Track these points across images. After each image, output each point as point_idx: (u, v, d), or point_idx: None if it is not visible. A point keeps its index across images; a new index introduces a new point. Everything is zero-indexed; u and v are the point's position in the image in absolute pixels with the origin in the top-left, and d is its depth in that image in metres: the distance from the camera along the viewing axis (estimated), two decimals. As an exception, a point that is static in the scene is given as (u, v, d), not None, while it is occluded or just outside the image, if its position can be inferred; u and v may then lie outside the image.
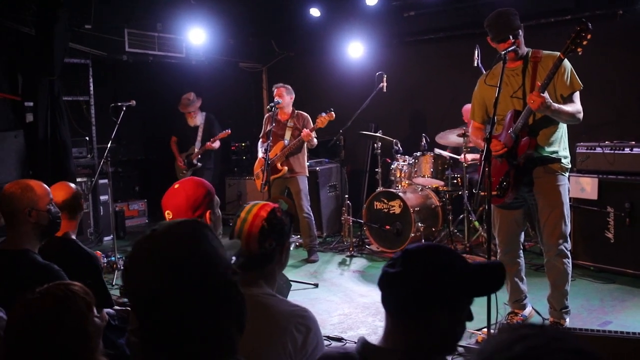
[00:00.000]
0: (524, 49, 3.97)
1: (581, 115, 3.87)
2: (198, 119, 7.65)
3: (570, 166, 4.09)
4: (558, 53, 3.69)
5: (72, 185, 3.47)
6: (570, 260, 4.05)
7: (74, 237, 3.37)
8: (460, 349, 3.97)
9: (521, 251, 4.28)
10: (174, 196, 2.50)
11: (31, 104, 6.67)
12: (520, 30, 3.86)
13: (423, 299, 1.47)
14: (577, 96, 3.89)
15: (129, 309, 3.13)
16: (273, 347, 1.91)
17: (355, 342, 4.30)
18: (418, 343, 1.48)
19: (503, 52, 3.71)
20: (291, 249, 7.10)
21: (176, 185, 2.55)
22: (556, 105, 3.72)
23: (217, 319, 1.24)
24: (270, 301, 2.03)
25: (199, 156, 7.57)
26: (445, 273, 1.49)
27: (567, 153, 4.04)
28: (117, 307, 3.31)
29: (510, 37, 3.80)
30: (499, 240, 4.24)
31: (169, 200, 2.51)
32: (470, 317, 1.55)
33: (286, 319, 1.96)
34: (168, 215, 2.51)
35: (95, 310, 1.85)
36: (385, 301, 1.54)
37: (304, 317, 2.00)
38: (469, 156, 6.32)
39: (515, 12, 3.90)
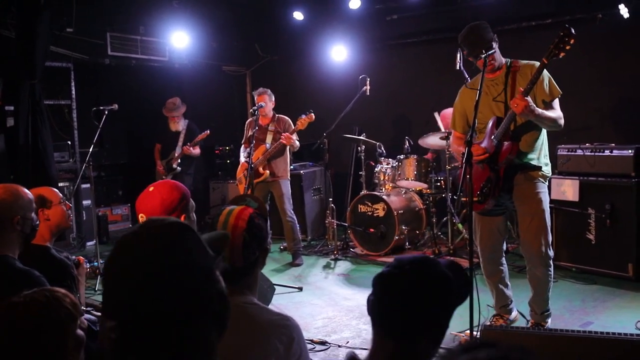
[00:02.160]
0: (500, 60, 4.00)
1: (562, 122, 3.91)
2: (180, 125, 7.61)
3: (550, 175, 4.13)
4: (536, 63, 3.73)
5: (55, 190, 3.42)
6: (552, 269, 4.08)
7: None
8: (442, 351, 3.99)
9: (503, 258, 4.31)
10: (149, 199, 2.47)
11: (12, 108, 6.60)
12: (493, 43, 3.88)
13: (404, 327, 1.49)
14: (557, 103, 3.95)
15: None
16: (255, 358, 1.88)
17: (339, 345, 4.27)
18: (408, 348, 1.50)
19: (484, 56, 3.73)
20: (275, 251, 7.11)
21: (151, 188, 2.51)
22: (539, 110, 3.75)
23: (196, 325, 1.22)
24: (252, 311, 1.98)
25: (179, 160, 7.53)
26: (423, 302, 1.49)
27: (547, 161, 4.08)
28: (97, 313, 3.28)
29: (484, 50, 3.80)
30: (480, 248, 4.25)
31: (143, 203, 2.47)
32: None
33: (268, 329, 1.92)
34: (142, 218, 2.48)
35: (80, 321, 1.82)
36: (372, 324, 1.56)
37: (287, 327, 1.95)
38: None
39: (486, 25, 3.93)
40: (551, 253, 4.04)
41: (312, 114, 6.20)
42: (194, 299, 1.22)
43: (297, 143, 6.40)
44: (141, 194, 2.50)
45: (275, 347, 1.89)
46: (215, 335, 1.28)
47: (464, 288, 1.61)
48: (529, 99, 3.66)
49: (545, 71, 3.81)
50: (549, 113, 3.83)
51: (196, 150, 7.52)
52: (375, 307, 1.54)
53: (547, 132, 4.07)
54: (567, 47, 3.54)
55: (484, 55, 3.72)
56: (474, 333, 3.50)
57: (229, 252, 1.98)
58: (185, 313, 1.20)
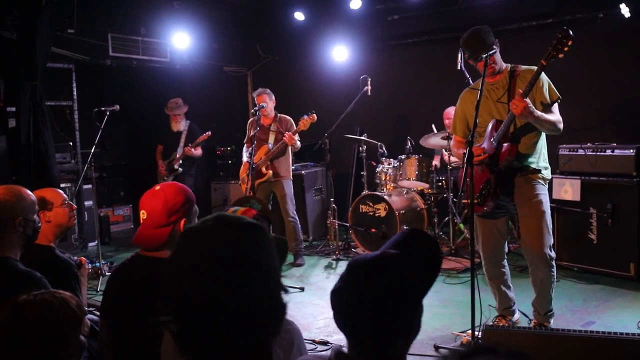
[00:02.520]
0: (501, 64, 4.01)
1: (561, 126, 3.91)
2: (182, 125, 7.62)
3: (550, 177, 4.12)
4: (536, 67, 3.74)
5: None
6: (554, 269, 4.06)
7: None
8: (444, 351, 4.00)
9: (505, 260, 4.30)
10: (153, 198, 2.46)
11: (13, 109, 6.61)
12: (495, 46, 3.89)
13: (367, 320, 1.47)
14: (556, 108, 3.94)
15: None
16: None
17: (340, 345, 4.30)
18: (380, 351, 1.49)
19: (484, 56, 3.73)
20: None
21: (157, 187, 2.50)
22: (539, 112, 3.75)
23: (261, 334, 1.23)
24: None
25: (180, 161, 7.53)
26: (390, 299, 1.46)
27: (547, 165, 4.08)
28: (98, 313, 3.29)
29: (484, 55, 3.81)
30: (482, 251, 4.25)
31: (147, 201, 2.47)
32: (421, 309, 1.54)
33: None
34: (142, 215, 2.47)
35: (84, 324, 1.82)
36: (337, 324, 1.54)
37: (287, 331, 1.89)
38: (452, 158, 6.37)
39: (488, 29, 3.95)
40: (553, 254, 4.04)
41: (314, 115, 6.20)
42: (261, 299, 1.22)
43: (299, 143, 6.41)
44: (147, 191, 2.50)
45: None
46: (270, 338, 1.28)
47: (428, 269, 1.55)
48: (528, 100, 3.66)
49: (544, 76, 3.83)
50: (549, 116, 3.82)
51: (198, 151, 7.52)
52: (336, 319, 1.53)
53: (547, 135, 4.07)
54: (565, 49, 3.54)
55: (484, 56, 3.72)
56: (476, 333, 3.50)
57: None
58: (251, 311, 1.20)
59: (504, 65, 4.04)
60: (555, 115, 3.89)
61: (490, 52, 3.78)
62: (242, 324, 1.20)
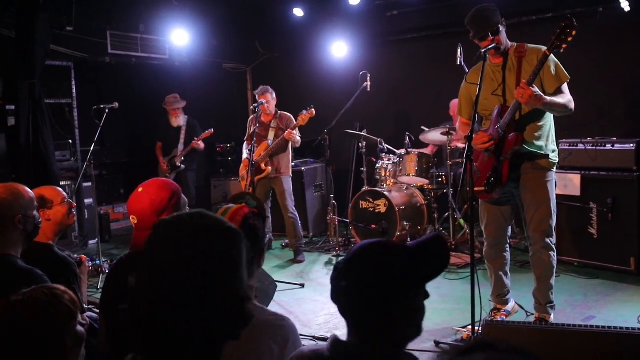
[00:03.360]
0: (507, 44, 3.98)
1: (573, 105, 3.86)
2: (181, 120, 7.65)
3: (557, 160, 4.09)
4: (543, 47, 3.70)
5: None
6: (555, 254, 4.07)
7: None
8: (444, 347, 4.00)
9: (508, 245, 4.30)
10: (138, 201, 2.44)
11: (13, 107, 6.60)
12: (500, 26, 3.87)
13: (370, 305, 1.50)
14: (565, 87, 3.89)
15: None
16: (248, 358, 1.85)
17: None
18: (381, 337, 1.50)
19: (483, 50, 3.73)
20: (277, 248, 7.11)
21: (140, 189, 2.48)
22: (547, 97, 3.71)
23: (214, 333, 1.22)
24: None
25: (182, 158, 7.54)
26: (385, 277, 1.49)
27: (554, 147, 4.05)
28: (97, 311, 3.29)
29: (490, 34, 3.81)
30: (486, 233, 4.25)
31: (133, 205, 2.45)
32: (426, 296, 1.56)
33: (263, 329, 1.89)
34: (133, 220, 2.46)
35: (80, 318, 1.81)
36: (339, 310, 1.58)
37: (282, 327, 1.92)
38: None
39: (495, 8, 3.91)
40: (554, 240, 4.04)
41: (313, 110, 6.21)
42: (225, 305, 1.22)
43: (298, 139, 6.41)
44: (132, 194, 2.48)
45: (269, 347, 1.86)
46: (224, 342, 1.28)
47: (433, 265, 1.56)
48: (534, 88, 3.64)
49: (552, 56, 3.75)
50: (558, 99, 3.78)
51: (201, 144, 7.57)
52: (341, 292, 1.56)
53: (555, 119, 4.05)
54: (569, 39, 3.51)
55: (483, 51, 3.71)
56: (476, 328, 3.50)
57: None
58: (213, 314, 1.20)
59: (509, 44, 4.00)
60: (564, 97, 3.83)
61: (494, 38, 3.77)
62: (201, 325, 1.19)
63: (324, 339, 4.22)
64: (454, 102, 6.67)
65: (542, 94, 3.67)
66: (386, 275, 1.49)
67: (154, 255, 1.24)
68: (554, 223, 4.04)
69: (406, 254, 1.53)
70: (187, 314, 1.17)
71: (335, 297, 1.57)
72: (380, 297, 1.48)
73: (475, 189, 3.53)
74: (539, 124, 3.93)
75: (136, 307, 1.22)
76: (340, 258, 1.60)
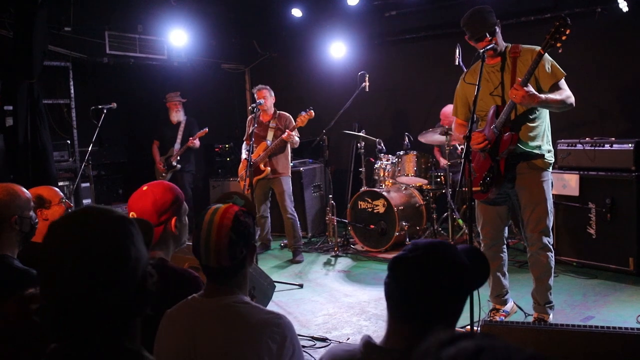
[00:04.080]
0: (502, 45, 3.99)
1: (572, 100, 3.85)
2: (181, 115, 7.71)
3: (553, 160, 4.09)
4: (537, 47, 3.71)
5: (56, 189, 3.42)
6: (553, 254, 4.08)
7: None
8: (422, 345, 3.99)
9: (505, 246, 4.30)
10: (141, 198, 2.43)
11: (10, 107, 6.59)
12: (496, 27, 3.88)
13: (418, 311, 1.52)
14: (563, 84, 3.88)
15: None
16: (247, 357, 1.87)
17: (340, 342, 4.28)
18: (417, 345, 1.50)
19: (481, 51, 3.74)
20: (276, 248, 7.10)
21: (145, 187, 2.47)
22: (543, 95, 3.71)
23: (122, 313, 1.29)
24: (244, 310, 1.96)
25: (178, 157, 7.54)
26: (436, 287, 1.51)
27: (550, 147, 4.05)
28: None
29: (487, 34, 3.82)
30: (482, 234, 4.26)
31: (135, 202, 2.44)
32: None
33: (260, 328, 1.90)
34: (132, 217, 2.46)
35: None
36: (388, 306, 1.58)
37: (279, 325, 1.93)
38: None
39: (490, 9, 3.93)
40: (552, 240, 4.05)
41: (312, 111, 6.20)
42: (126, 293, 1.29)
43: (297, 140, 6.40)
44: (135, 192, 2.47)
45: (267, 346, 1.87)
46: (139, 322, 1.35)
47: (481, 273, 1.61)
48: (529, 87, 3.63)
49: (546, 55, 3.76)
50: (555, 95, 3.78)
51: (197, 142, 7.58)
52: (389, 291, 1.55)
53: (550, 120, 4.04)
54: (564, 38, 3.51)
55: (482, 51, 3.71)
56: (475, 328, 3.49)
57: (215, 252, 1.95)
58: (110, 300, 1.26)
59: (504, 45, 4.00)
60: (563, 93, 3.83)
61: (491, 39, 3.78)
62: (103, 308, 1.26)
63: (322, 339, 4.22)
64: (445, 111, 6.68)
65: (535, 93, 3.67)
66: (456, 277, 1.52)
67: (49, 252, 1.31)
68: (551, 223, 4.04)
69: (462, 262, 1.56)
70: (88, 300, 1.24)
71: (387, 295, 1.56)
72: (443, 299, 1.51)
73: (474, 189, 3.54)
74: (533, 124, 3.94)
75: (43, 301, 1.29)
76: (392, 255, 1.60)
